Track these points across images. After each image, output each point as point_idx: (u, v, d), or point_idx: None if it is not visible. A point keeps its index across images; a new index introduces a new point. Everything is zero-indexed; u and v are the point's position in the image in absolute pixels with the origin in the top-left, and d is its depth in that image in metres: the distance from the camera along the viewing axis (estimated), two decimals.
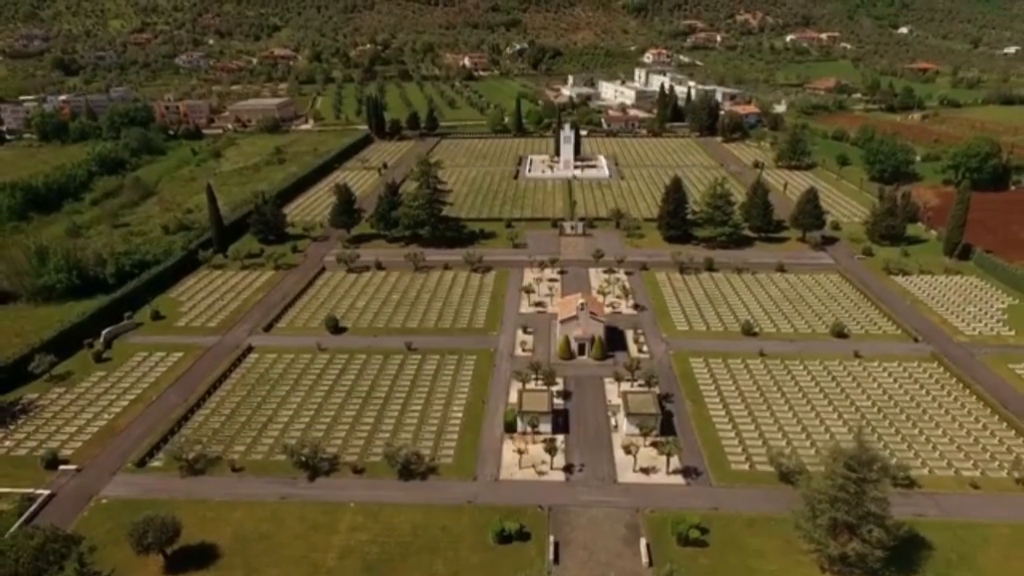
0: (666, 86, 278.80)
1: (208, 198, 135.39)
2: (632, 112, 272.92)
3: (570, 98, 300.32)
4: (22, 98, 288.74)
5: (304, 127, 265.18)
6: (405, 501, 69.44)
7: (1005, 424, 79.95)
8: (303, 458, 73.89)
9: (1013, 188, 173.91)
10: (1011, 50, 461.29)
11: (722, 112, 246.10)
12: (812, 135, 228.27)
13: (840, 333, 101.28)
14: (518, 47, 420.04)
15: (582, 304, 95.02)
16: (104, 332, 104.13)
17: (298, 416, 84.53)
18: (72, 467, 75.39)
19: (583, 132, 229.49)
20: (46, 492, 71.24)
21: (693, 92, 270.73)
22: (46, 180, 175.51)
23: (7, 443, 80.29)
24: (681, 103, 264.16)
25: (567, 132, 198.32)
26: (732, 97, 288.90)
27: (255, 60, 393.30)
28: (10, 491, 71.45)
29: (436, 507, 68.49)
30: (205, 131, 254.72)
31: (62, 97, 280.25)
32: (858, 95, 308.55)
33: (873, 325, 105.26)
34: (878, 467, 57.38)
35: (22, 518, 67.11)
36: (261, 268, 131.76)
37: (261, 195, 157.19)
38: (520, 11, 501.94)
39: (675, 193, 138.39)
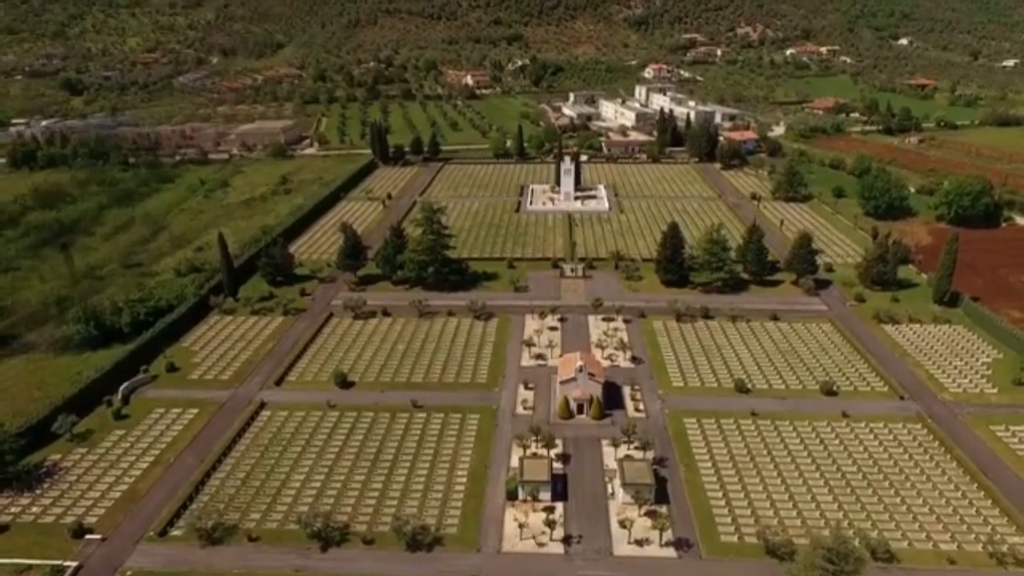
0: (666, 109, 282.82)
1: (219, 245, 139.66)
2: (632, 135, 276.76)
3: (571, 119, 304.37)
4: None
5: (309, 151, 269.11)
6: (412, 574, 73.56)
7: (983, 492, 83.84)
8: (315, 529, 78.09)
9: (1004, 225, 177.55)
10: (1010, 63, 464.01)
11: (721, 138, 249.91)
12: (809, 162, 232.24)
13: (830, 391, 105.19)
14: (520, 63, 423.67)
15: (580, 366, 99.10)
16: (121, 388, 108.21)
17: (310, 481, 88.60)
18: (97, 536, 79.36)
19: (583, 157, 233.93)
20: (74, 564, 75.36)
21: (692, 115, 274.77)
22: (58, 217, 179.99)
23: (34, 509, 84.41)
24: (681, 124, 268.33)
25: (567, 164, 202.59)
26: (732, 118, 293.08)
27: (260, 78, 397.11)
28: (40, 562, 75.53)
29: None
30: (211, 155, 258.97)
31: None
32: (856, 115, 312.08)
33: (862, 381, 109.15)
34: (855, 559, 61.44)
35: None
36: (271, 313, 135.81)
37: (270, 235, 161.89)
38: (521, 25, 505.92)
39: (672, 239, 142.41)
